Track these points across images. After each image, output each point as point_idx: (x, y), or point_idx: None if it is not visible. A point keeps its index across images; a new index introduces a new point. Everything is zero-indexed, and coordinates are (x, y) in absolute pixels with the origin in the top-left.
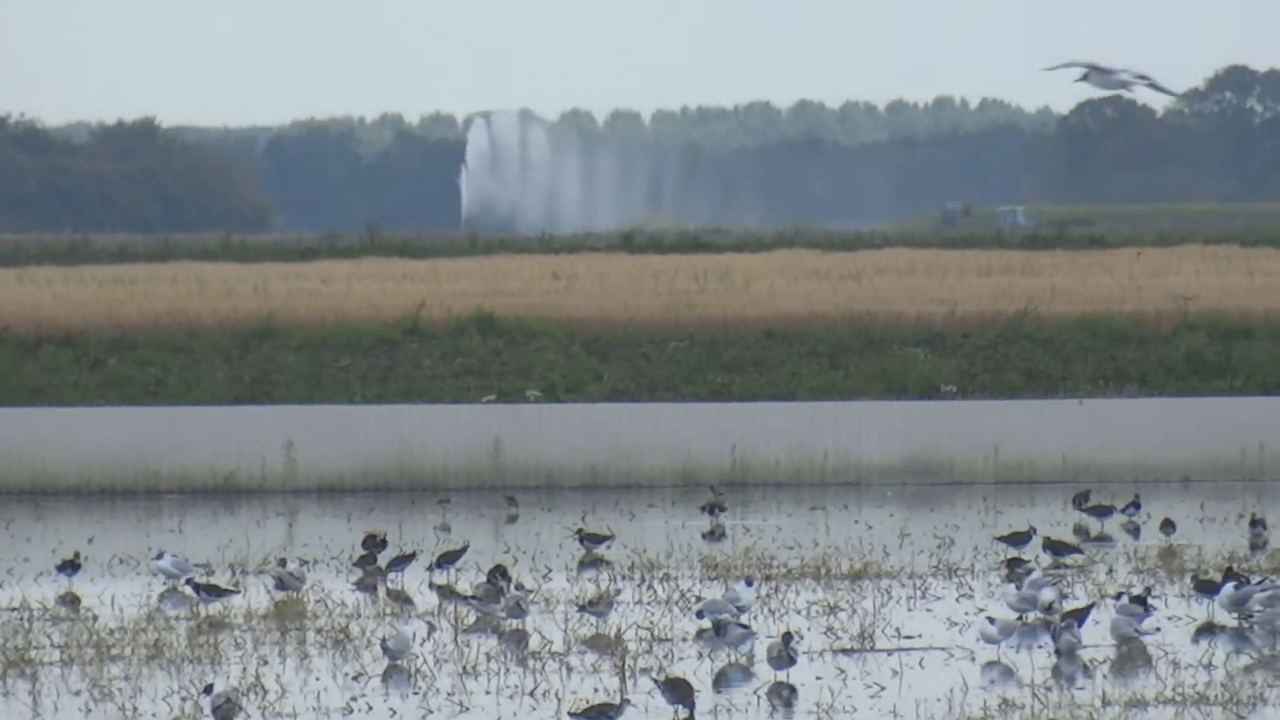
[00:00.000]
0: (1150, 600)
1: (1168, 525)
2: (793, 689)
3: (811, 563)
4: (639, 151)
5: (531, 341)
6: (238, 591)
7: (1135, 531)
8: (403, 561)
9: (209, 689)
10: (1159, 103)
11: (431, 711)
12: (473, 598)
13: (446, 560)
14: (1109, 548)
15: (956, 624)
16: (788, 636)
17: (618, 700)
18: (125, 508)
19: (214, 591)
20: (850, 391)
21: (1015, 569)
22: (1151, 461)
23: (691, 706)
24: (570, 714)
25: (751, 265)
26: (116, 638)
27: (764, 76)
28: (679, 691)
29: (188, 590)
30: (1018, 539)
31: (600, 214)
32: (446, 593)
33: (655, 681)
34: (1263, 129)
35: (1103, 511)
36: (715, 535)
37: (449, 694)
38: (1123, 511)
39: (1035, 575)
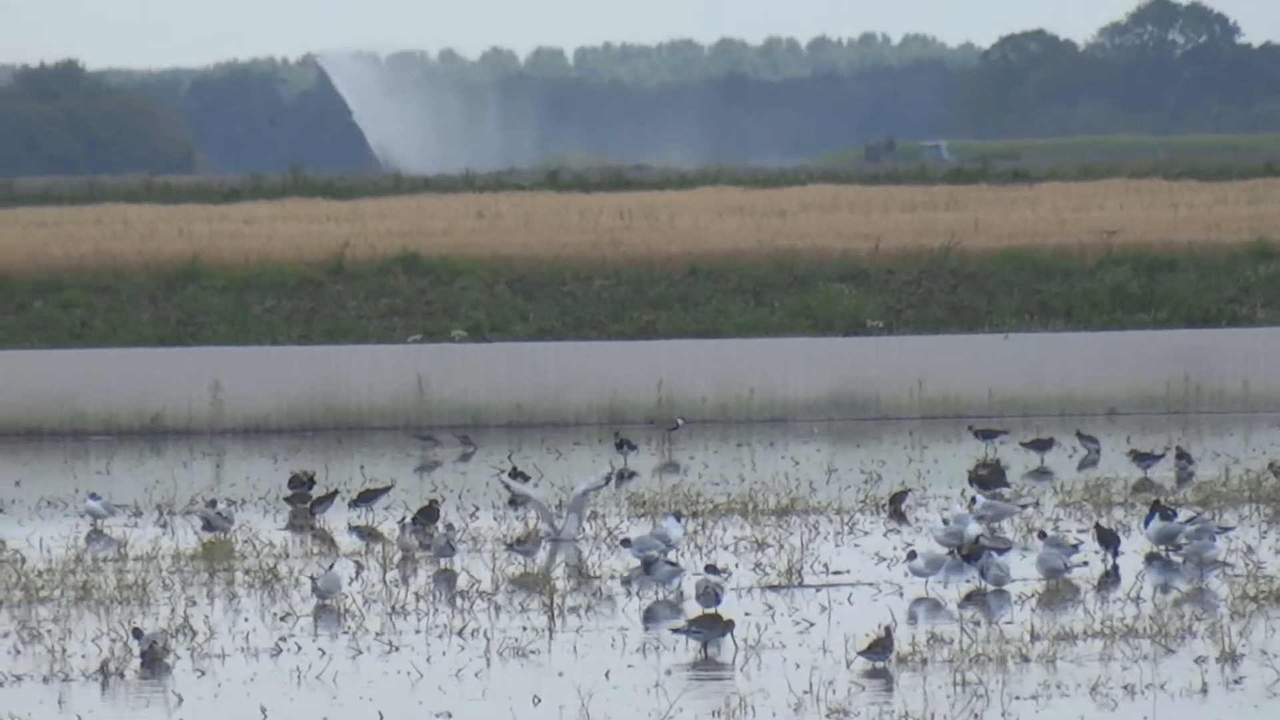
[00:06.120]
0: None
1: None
2: None
3: (739, 499)
4: (561, 88)
5: (456, 280)
6: None
7: (1094, 463)
8: (326, 501)
9: (137, 632)
10: (1080, 36)
11: (361, 651)
12: (404, 533)
13: (366, 499)
14: (1045, 482)
15: (884, 559)
16: (711, 568)
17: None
18: (52, 449)
19: None
20: (775, 328)
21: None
22: (1077, 395)
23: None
24: (859, 652)
25: (676, 202)
26: (45, 580)
27: (686, 14)
28: (715, 624)
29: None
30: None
31: (520, 152)
32: (365, 532)
33: (682, 628)
34: (1184, 61)
35: (1042, 445)
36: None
37: (378, 633)
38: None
39: (960, 510)
